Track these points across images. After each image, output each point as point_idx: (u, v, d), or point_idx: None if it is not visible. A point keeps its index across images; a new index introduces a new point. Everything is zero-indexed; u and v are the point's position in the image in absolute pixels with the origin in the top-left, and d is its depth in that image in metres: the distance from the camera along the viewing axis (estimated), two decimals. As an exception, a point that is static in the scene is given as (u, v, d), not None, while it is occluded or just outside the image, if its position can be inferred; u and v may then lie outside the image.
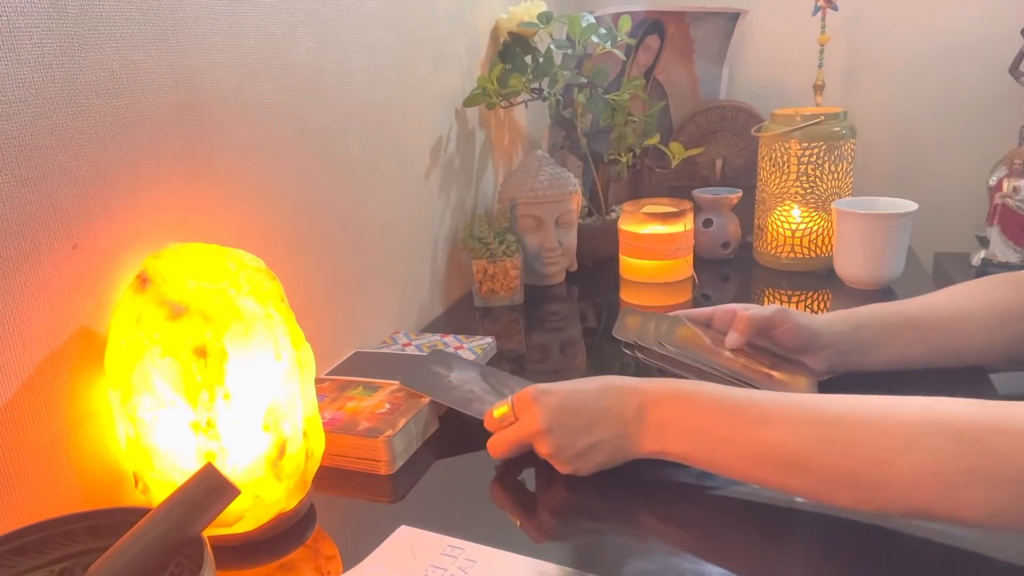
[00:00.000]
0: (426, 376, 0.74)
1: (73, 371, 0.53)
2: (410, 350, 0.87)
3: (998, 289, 0.72)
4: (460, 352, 0.85)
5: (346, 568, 0.53)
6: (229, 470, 0.52)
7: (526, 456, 0.67)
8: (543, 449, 0.61)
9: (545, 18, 1.12)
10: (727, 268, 1.18)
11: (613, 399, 0.59)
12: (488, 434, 0.69)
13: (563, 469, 0.61)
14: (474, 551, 0.53)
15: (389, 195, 0.93)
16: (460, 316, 1.07)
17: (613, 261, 1.10)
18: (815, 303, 1.03)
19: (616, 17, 1.14)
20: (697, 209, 1.15)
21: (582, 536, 0.56)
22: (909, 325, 0.72)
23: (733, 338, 0.73)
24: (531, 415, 0.61)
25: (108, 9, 0.53)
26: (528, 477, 0.64)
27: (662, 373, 0.73)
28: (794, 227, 1.11)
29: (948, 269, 1.32)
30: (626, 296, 1.05)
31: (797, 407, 0.52)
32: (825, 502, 0.52)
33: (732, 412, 0.54)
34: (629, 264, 1.05)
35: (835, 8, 1.23)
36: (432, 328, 1.02)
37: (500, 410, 0.64)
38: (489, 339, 0.89)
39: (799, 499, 0.57)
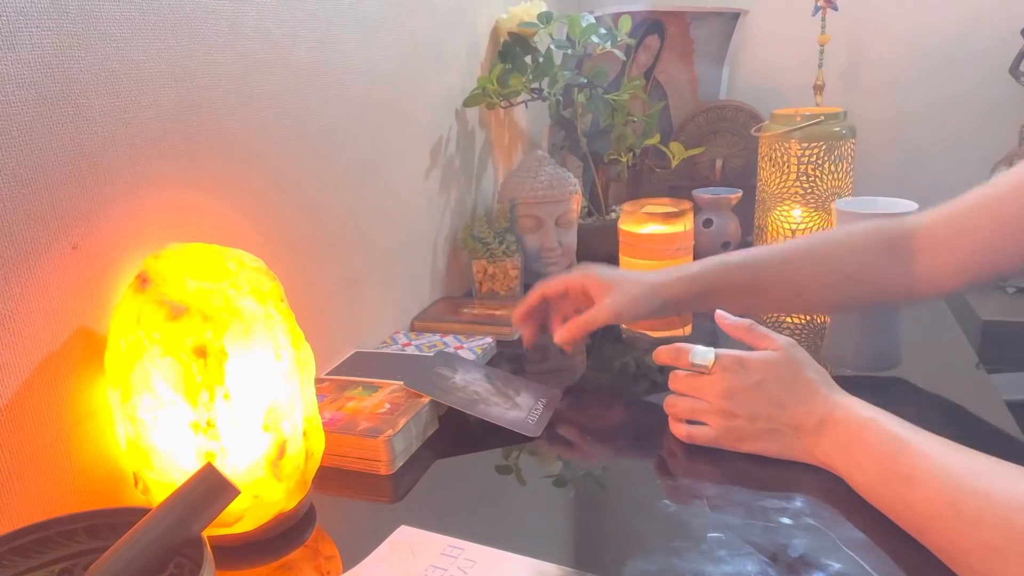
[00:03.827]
0: (430, 377, 0.74)
1: (73, 371, 0.53)
2: (410, 350, 0.87)
3: (859, 254, 0.72)
4: (460, 352, 0.85)
5: (346, 568, 0.53)
6: (229, 470, 0.52)
7: (528, 455, 0.67)
8: (716, 414, 0.62)
9: (545, 18, 1.12)
10: (727, 268, 1.17)
11: (805, 405, 0.60)
12: (489, 434, 0.69)
13: (721, 441, 0.63)
14: (474, 551, 0.53)
15: (389, 195, 0.93)
16: (460, 316, 1.06)
17: (613, 261, 1.10)
18: (815, 303, 1.03)
19: (616, 17, 1.14)
20: (697, 209, 1.15)
21: (582, 536, 0.56)
22: (755, 289, 0.73)
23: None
24: (723, 380, 0.62)
25: (108, 9, 0.53)
26: (528, 477, 0.64)
27: None
28: (794, 227, 1.11)
29: (948, 269, 1.31)
30: (626, 296, 1.05)
31: (946, 472, 0.49)
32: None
33: (888, 458, 0.53)
34: (629, 264, 1.05)
35: (835, 8, 1.23)
36: (432, 328, 1.02)
37: (700, 358, 0.64)
38: (489, 339, 0.89)
39: (799, 502, 0.57)
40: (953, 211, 0.67)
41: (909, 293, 0.70)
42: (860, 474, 0.56)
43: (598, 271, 0.77)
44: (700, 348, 0.65)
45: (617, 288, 0.74)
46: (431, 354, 0.84)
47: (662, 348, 0.68)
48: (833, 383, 0.62)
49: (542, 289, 0.80)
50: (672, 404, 0.67)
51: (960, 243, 0.65)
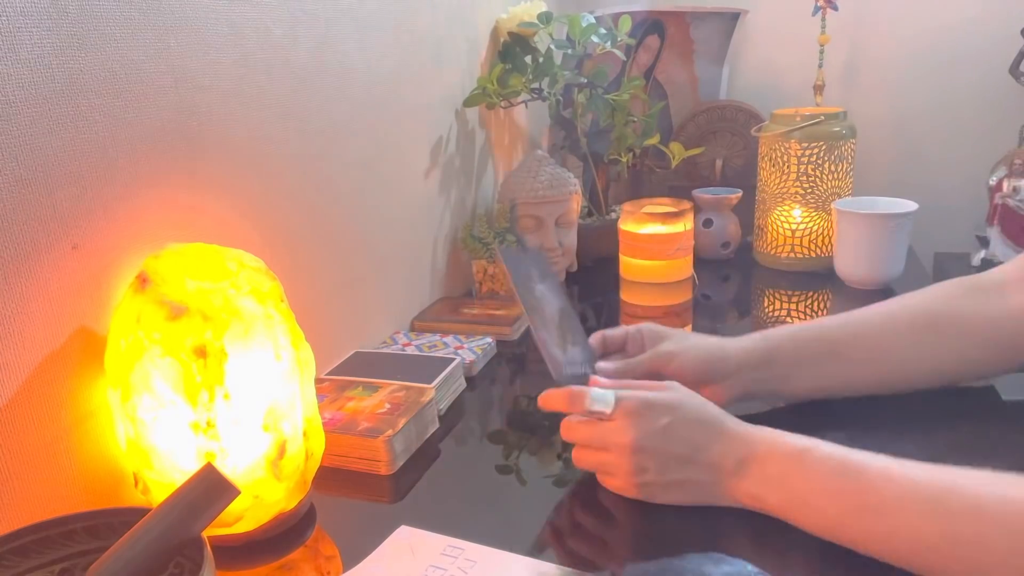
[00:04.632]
0: (525, 265, 0.70)
1: (73, 371, 0.53)
2: (410, 350, 0.87)
3: (948, 302, 0.65)
4: (460, 352, 0.85)
5: (346, 568, 0.53)
6: (229, 470, 0.52)
7: (528, 455, 0.67)
8: (623, 466, 0.56)
9: (545, 18, 1.12)
10: (727, 268, 1.18)
11: (718, 444, 0.55)
12: (489, 433, 0.69)
13: (631, 493, 0.57)
14: (474, 551, 0.53)
15: (389, 195, 0.93)
16: (460, 316, 1.06)
17: (613, 261, 1.10)
18: (815, 303, 1.03)
19: (616, 17, 1.14)
20: (697, 209, 1.15)
21: (582, 536, 0.56)
22: (831, 354, 0.65)
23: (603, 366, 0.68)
24: (628, 426, 0.55)
25: (108, 9, 0.53)
26: (528, 477, 0.64)
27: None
28: (794, 227, 1.11)
29: (948, 269, 1.32)
30: (626, 296, 1.05)
31: (918, 494, 0.46)
32: None
33: (846, 492, 0.49)
34: (629, 264, 1.05)
35: (835, 8, 1.23)
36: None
37: (598, 402, 0.57)
38: (489, 339, 0.89)
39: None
40: None
41: (1004, 346, 0.63)
42: (811, 511, 0.51)
43: (660, 326, 0.70)
44: (598, 391, 0.57)
45: (673, 338, 0.67)
46: (528, 252, 0.76)
47: (551, 393, 0.60)
48: (732, 416, 0.57)
49: (602, 332, 0.72)
50: (578, 458, 0.60)
51: None
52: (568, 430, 0.59)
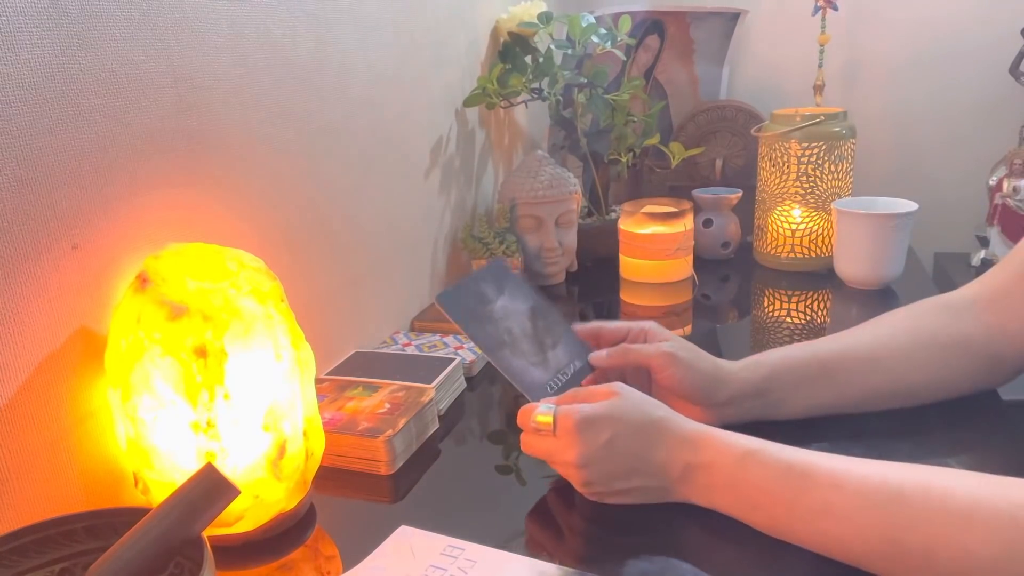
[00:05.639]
0: (468, 298, 0.65)
1: (73, 371, 0.53)
2: (410, 350, 0.87)
3: (924, 318, 0.67)
4: (460, 352, 0.85)
5: (346, 568, 0.53)
6: (229, 470, 0.52)
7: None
8: (573, 478, 0.58)
9: (545, 18, 1.12)
10: (727, 268, 1.18)
11: (662, 451, 0.55)
12: (490, 431, 0.69)
13: (588, 497, 0.58)
14: (474, 551, 0.53)
15: (389, 195, 0.93)
16: (460, 316, 1.06)
17: (613, 261, 1.10)
18: (815, 303, 1.03)
19: (616, 17, 1.14)
20: (697, 209, 1.15)
21: (582, 536, 0.56)
22: (823, 371, 0.65)
23: (598, 356, 0.67)
24: (570, 444, 0.56)
25: (108, 9, 0.53)
26: (528, 477, 0.64)
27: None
28: (794, 227, 1.11)
29: (948, 269, 1.32)
30: (626, 296, 1.05)
31: (865, 498, 0.47)
32: None
33: (794, 496, 0.50)
34: (629, 264, 1.05)
35: (835, 8, 1.23)
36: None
37: (542, 418, 0.58)
38: (489, 339, 0.89)
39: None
40: (1003, 268, 0.65)
41: (983, 359, 0.64)
42: (760, 514, 0.52)
43: (665, 329, 0.69)
44: (542, 407, 0.59)
45: (676, 343, 0.65)
46: (472, 276, 0.70)
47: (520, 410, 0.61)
48: (676, 414, 0.57)
49: (600, 323, 0.71)
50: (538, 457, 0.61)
51: (1016, 299, 0.62)
52: (524, 444, 0.60)
